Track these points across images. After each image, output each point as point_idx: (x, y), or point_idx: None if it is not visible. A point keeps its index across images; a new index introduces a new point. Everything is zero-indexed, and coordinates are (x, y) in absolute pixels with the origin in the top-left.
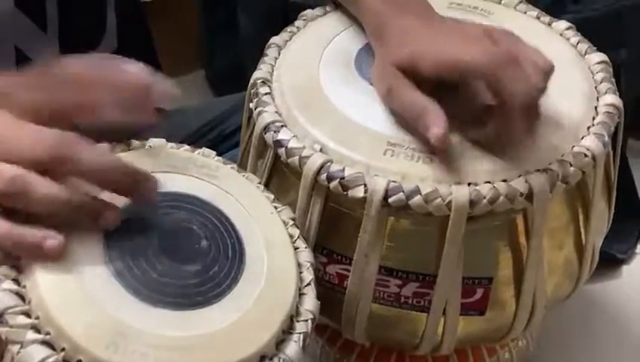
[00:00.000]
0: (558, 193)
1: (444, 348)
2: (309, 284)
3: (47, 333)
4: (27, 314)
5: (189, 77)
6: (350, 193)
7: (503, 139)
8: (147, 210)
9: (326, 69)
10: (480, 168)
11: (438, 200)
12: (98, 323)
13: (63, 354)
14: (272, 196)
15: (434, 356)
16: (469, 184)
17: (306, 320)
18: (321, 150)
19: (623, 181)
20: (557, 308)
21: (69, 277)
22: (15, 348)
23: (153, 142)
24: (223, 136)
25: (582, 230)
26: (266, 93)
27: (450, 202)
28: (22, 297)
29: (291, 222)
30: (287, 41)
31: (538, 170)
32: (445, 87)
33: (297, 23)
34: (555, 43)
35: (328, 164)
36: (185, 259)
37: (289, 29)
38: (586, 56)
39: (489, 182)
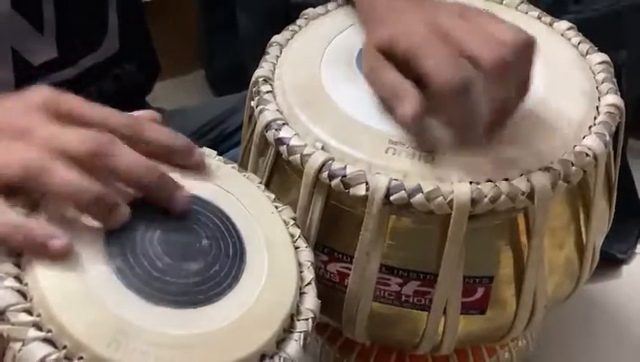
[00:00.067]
0: (560, 192)
1: (444, 348)
2: (309, 283)
3: (49, 331)
4: (29, 312)
5: (189, 77)
6: (352, 191)
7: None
8: (148, 209)
9: (327, 67)
10: (481, 167)
11: (440, 198)
12: (99, 321)
13: (64, 351)
14: (272, 196)
15: (434, 356)
16: (470, 182)
17: (307, 319)
18: (322, 148)
19: (624, 181)
20: (557, 308)
21: (71, 275)
22: (17, 345)
23: None
24: (224, 136)
25: (583, 229)
26: (267, 92)
27: (451, 200)
28: (23, 295)
29: (292, 222)
30: (288, 39)
31: (540, 169)
32: None
33: (299, 21)
34: (557, 43)
35: (330, 162)
36: (186, 258)
37: (291, 27)
38: (588, 57)
39: (490, 181)
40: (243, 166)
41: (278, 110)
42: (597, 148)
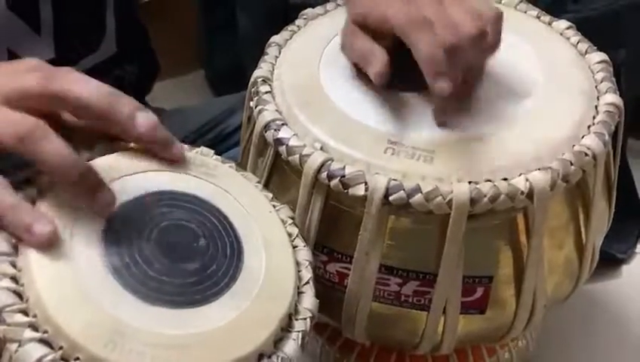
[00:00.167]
0: (559, 192)
1: (444, 347)
2: (307, 283)
3: (45, 331)
4: (25, 313)
5: (189, 77)
6: (351, 191)
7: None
8: (145, 208)
9: (326, 67)
10: (481, 166)
11: (439, 198)
12: (96, 322)
13: (60, 352)
14: (270, 195)
15: (434, 355)
16: (469, 182)
17: (305, 319)
18: (321, 148)
19: (623, 181)
20: (557, 308)
21: (67, 275)
22: (13, 346)
23: None
24: (223, 136)
25: (582, 229)
26: (266, 92)
27: (450, 200)
28: (19, 295)
29: (290, 221)
30: (287, 39)
31: (539, 169)
32: None
33: (298, 21)
34: (556, 42)
35: (329, 162)
36: (183, 258)
37: (290, 27)
38: (587, 56)
39: (490, 181)
40: (242, 166)
41: (277, 110)
42: (596, 147)
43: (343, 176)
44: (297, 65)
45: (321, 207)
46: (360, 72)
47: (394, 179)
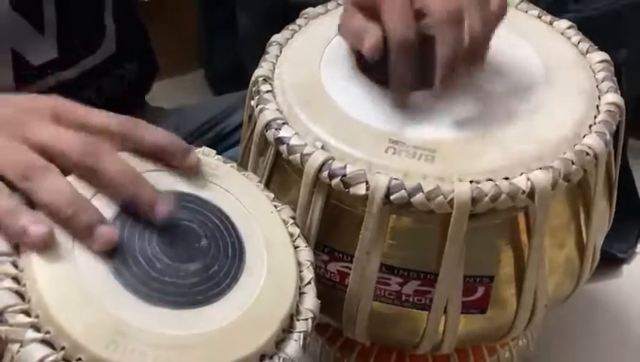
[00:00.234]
0: (560, 191)
1: (444, 347)
2: (309, 283)
3: (47, 332)
4: (27, 313)
5: (188, 77)
6: (352, 190)
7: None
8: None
9: (327, 66)
10: (482, 166)
11: (440, 197)
12: (98, 322)
13: (62, 352)
14: (272, 195)
15: (434, 355)
16: (470, 181)
17: (307, 319)
18: (322, 147)
19: (624, 180)
20: (557, 308)
21: (69, 276)
22: (15, 346)
23: None
24: (223, 135)
25: (583, 229)
26: (267, 91)
27: (452, 199)
28: (22, 296)
29: (291, 221)
30: (288, 39)
31: (540, 168)
32: None
33: (299, 21)
34: (557, 42)
35: (330, 161)
36: (185, 258)
37: (290, 27)
38: (588, 55)
39: (491, 180)
40: (243, 165)
41: (277, 109)
42: (597, 146)
43: (344, 176)
44: (298, 65)
45: (322, 207)
46: (360, 72)
47: (395, 179)
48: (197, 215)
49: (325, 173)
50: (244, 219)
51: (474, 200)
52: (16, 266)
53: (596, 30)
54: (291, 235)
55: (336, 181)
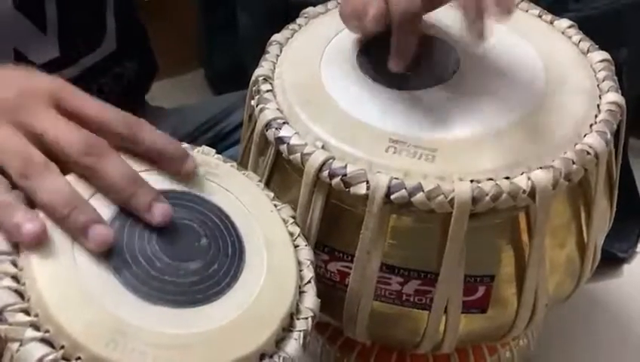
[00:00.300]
0: (561, 191)
1: (445, 347)
2: (309, 282)
3: (47, 331)
4: (26, 312)
5: (188, 76)
6: (352, 190)
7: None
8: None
9: (327, 66)
10: (482, 165)
11: (441, 197)
12: (97, 321)
13: (62, 351)
14: (271, 194)
15: (435, 355)
16: (471, 181)
17: (307, 318)
18: (322, 147)
19: (625, 180)
20: (558, 307)
21: (69, 275)
22: (14, 345)
23: None
24: (223, 135)
25: (584, 228)
26: (267, 91)
27: (452, 199)
28: (21, 295)
29: (291, 220)
30: (288, 38)
31: (541, 168)
32: None
33: (299, 20)
34: (557, 41)
35: (330, 161)
36: (184, 257)
37: (290, 26)
38: (588, 55)
39: (492, 179)
40: (243, 165)
41: (278, 109)
42: (598, 146)
43: (345, 175)
44: (298, 64)
45: (323, 206)
46: (361, 71)
47: (395, 178)
48: (197, 214)
49: (326, 173)
50: (244, 218)
51: (474, 200)
52: (15, 265)
53: (597, 29)
54: (291, 234)
55: (336, 180)
